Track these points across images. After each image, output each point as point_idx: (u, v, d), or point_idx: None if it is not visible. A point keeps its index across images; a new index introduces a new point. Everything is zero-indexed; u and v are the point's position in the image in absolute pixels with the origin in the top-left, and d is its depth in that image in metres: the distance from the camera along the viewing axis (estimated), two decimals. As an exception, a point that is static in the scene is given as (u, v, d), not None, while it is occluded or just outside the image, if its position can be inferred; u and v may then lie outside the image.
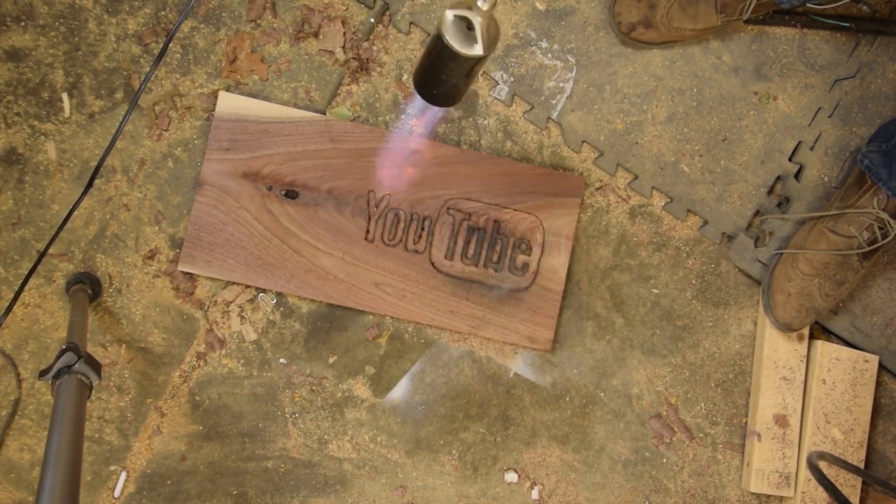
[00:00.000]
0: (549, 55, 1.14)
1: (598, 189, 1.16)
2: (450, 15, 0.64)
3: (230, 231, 1.09)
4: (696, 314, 1.18)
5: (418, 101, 0.76)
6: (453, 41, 0.64)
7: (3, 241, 1.10)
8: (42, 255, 0.97)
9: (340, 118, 1.12)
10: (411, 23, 1.12)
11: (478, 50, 0.64)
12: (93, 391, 0.88)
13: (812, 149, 1.16)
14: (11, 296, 1.07)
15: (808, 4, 1.04)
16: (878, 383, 1.18)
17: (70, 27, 1.09)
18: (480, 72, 0.70)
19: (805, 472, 1.13)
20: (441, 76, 0.70)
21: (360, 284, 1.11)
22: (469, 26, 0.64)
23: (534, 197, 1.12)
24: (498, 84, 1.14)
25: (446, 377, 1.16)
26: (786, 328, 1.12)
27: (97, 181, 1.11)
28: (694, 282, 1.18)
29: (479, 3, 0.62)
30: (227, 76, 1.11)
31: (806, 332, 1.16)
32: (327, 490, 1.15)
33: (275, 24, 1.12)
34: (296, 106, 1.12)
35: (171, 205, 1.12)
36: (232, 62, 1.11)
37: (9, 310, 0.97)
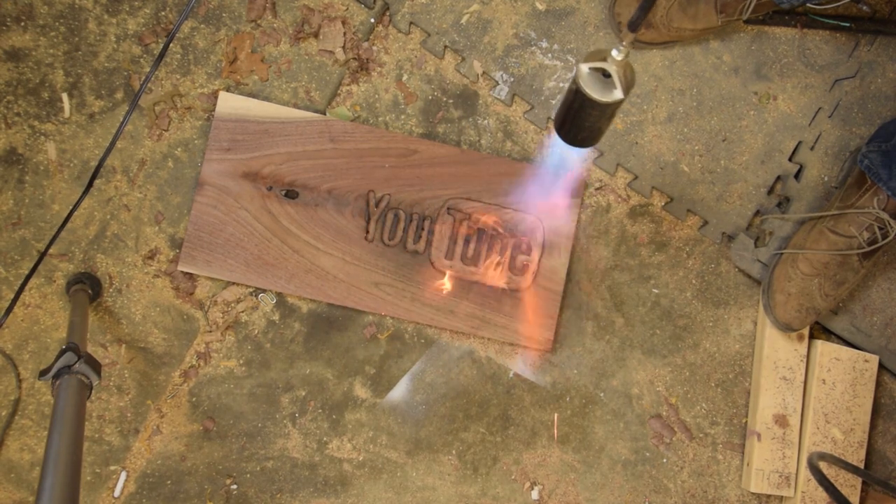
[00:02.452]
0: (549, 55, 1.14)
1: (598, 189, 1.16)
2: (585, 68, 0.68)
3: (230, 231, 1.09)
4: (696, 314, 1.18)
5: (560, 142, 0.80)
6: (592, 92, 0.68)
7: (3, 241, 1.10)
8: (42, 255, 0.97)
9: (340, 118, 1.12)
10: (411, 23, 1.13)
11: (618, 95, 0.68)
12: (93, 391, 0.88)
13: (812, 149, 1.16)
14: (12, 296, 1.07)
15: (808, 4, 1.04)
16: (878, 383, 1.18)
17: (70, 27, 1.09)
18: (618, 111, 0.74)
19: (805, 472, 1.13)
20: (584, 123, 0.74)
21: (360, 284, 1.11)
22: (605, 74, 0.67)
23: (534, 197, 1.12)
24: (498, 84, 1.14)
25: (446, 377, 1.16)
26: (786, 328, 1.12)
27: (97, 181, 1.11)
28: (694, 282, 1.18)
29: (613, 54, 0.66)
30: (227, 76, 1.11)
31: (806, 332, 1.16)
32: (327, 490, 1.15)
33: (275, 25, 1.12)
34: (296, 106, 1.12)
35: (171, 205, 1.12)
36: (232, 62, 1.11)
37: (9, 310, 0.97)
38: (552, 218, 1.13)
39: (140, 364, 1.13)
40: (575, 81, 0.68)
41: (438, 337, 1.15)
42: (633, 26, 0.64)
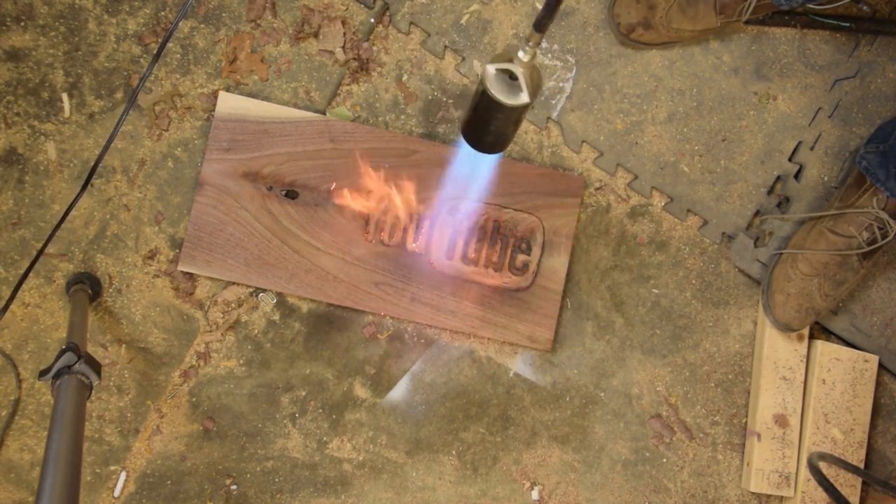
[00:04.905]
0: (549, 55, 1.14)
1: (597, 189, 1.16)
2: (491, 69, 0.65)
3: (230, 231, 1.09)
4: (696, 314, 1.18)
5: (466, 148, 0.77)
6: (498, 94, 0.66)
7: (3, 241, 1.10)
8: (39, 253, 0.97)
9: (340, 118, 1.12)
10: (411, 23, 1.13)
11: (524, 99, 0.66)
12: (93, 391, 0.88)
13: (812, 149, 1.16)
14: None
15: (808, 5, 1.04)
16: (878, 383, 1.18)
17: (70, 27, 1.09)
18: (525, 117, 0.71)
19: (805, 472, 1.13)
20: (490, 126, 0.71)
21: (360, 284, 1.11)
22: (512, 77, 0.65)
23: (534, 197, 1.12)
24: (498, 84, 1.14)
25: (446, 377, 1.16)
26: (785, 328, 1.12)
27: (97, 181, 1.11)
28: (694, 282, 1.18)
29: (520, 55, 0.64)
30: (227, 76, 1.11)
31: (806, 332, 1.16)
32: (327, 490, 1.15)
33: (275, 25, 1.12)
34: (296, 106, 1.12)
35: (171, 205, 1.12)
36: (232, 62, 1.11)
37: (5, 308, 0.97)
38: (552, 218, 1.13)
39: (140, 364, 1.13)
40: (481, 83, 0.66)
41: (438, 337, 1.15)
42: (539, 26, 0.61)
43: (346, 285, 1.11)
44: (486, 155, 0.79)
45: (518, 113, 0.68)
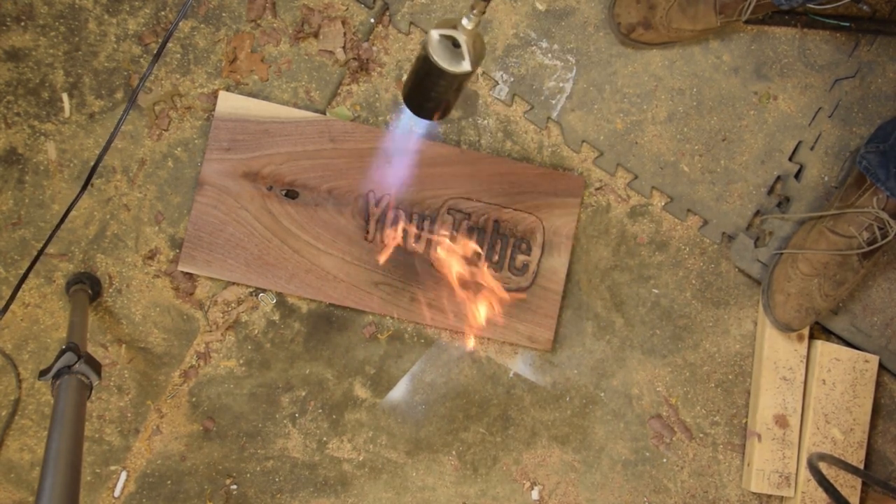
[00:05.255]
0: (549, 55, 1.14)
1: (597, 189, 1.16)
2: (435, 34, 0.65)
3: (230, 231, 1.09)
4: (696, 314, 1.18)
5: (407, 113, 0.78)
6: (440, 59, 0.66)
7: (3, 241, 1.10)
8: (40, 252, 0.97)
9: (340, 118, 1.12)
10: (411, 23, 1.13)
11: (465, 66, 0.66)
12: (93, 391, 0.88)
13: (812, 149, 1.16)
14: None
15: (808, 4, 1.04)
16: (878, 383, 1.18)
17: (70, 27, 1.09)
18: (467, 85, 0.71)
19: (805, 472, 1.13)
20: (431, 92, 0.71)
21: (360, 284, 1.11)
22: (455, 44, 0.65)
23: (534, 197, 1.12)
24: (498, 84, 1.14)
25: (446, 377, 1.16)
26: (785, 328, 1.12)
27: (97, 181, 1.11)
28: (694, 282, 1.18)
29: (463, 22, 0.64)
30: (227, 76, 1.11)
31: (806, 332, 1.16)
32: (327, 490, 1.15)
33: (275, 24, 1.12)
34: (296, 106, 1.12)
35: (171, 205, 1.12)
36: (232, 62, 1.11)
37: (5, 308, 0.97)
38: (552, 218, 1.13)
39: (140, 364, 1.13)
40: (424, 48, 0.66)
41: (438, 337, 1.15)
42: None
43: (346, 285, 1.11)
44: (425, 121, 0.79)
45: (459, 80, 0.68)
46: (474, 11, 0.63)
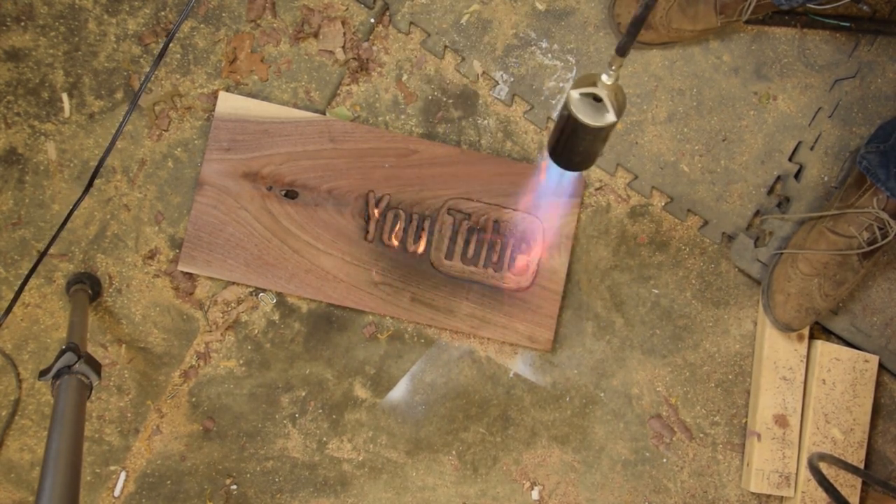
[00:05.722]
0: (549, 55, 1.14)
1: (597, 189, 1.16)
2: (576, 94, 0.67)
3: (230, 231, 1.09)
4: (696, 314, 1.18)
5: (554, 168, 0.80)
6: (585, 117, 0.67)
7: (3, 241, 1.10)
8: (42, 255, 0.97)
9: (340, 118, 1.12)
10: (411, 23, 1.13)
11: (610, 119, 0.67)
12: (93, 391, 0.88)
13: (812, 149, 1.16)
14: (12, 296, 1.07)
15: (808, 4, 1.04)
16: (878, 383, 1.18)
17: (70, 27, 1.09)
18: (612, 133, 0.74)
19: (805, 472, 1.13)
20: (579, 148, 0.74)
21: (360, 284, 1.11)
22: (596, 98, 0.67)
23: (534, 197, 1.12)
24: (498, 84, 1.14)
25: (446, 377, 1.16)
26: (785, 328, 1.12)
27: (97, 181, 1.11)
28: (694, 282, 1.18)
29: (603, 79, 0.66)
30: (227, 76, 1.11)
31: (806, 332, 1.16)
32: (327, 490, 1.15)
33: (275, 25, 1.12)
34: (296, 106, 1.12)
35: (171, 205, 1.12)
36: (232, 62, 1.11)
37: (9, 310, 0.97)
38: (552, 218, 1.13)
39: (140, 364, 1.13)
40: (566, 108, 0.68)
41: (438, 337, 1.15)
42: (622, 51, 0.63)
43: (346, 285, 1.11)
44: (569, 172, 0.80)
45: (606, 132, 0.70)
46: (613, 68, 0.65)
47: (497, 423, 1.16)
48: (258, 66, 1.11)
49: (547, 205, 1.12)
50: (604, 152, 1.15)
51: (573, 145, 0.73)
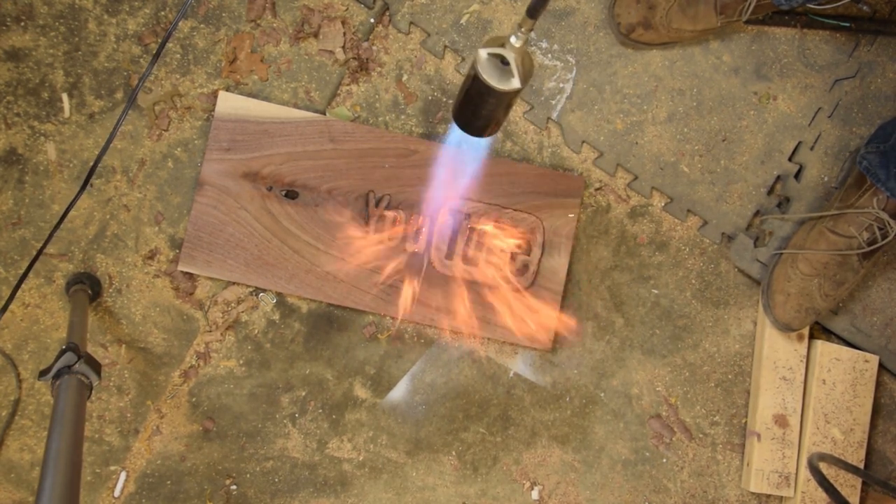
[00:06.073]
0: (549, 55, 1.14)
1: (597, 189, 1.16)
2: (483, 53, 0.66)
3: (230, 231, 1.09)
4: (695, 314, 1.18)
5: (457, 131, 0.78)
6: (490, 78, 0.66)
7: (3, 241, 1.10)
8: (39, 253, 0.97)
9: (340, 118, 1.12)
10: (411, 23, 1.13)
11: (515, 84, 0.66)
12: (93, 391, 0.88)
13: (812, 149, 1.16)
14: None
15: (808, 5, 1.04)
16: (878, 383, 1.18)
17: (70, 27, 1.09)
18: (515, 102, 0.72)
19: (805, 472, 1.13)
20: (481, 111, 0.72)
21: (360, 284, 1.11)
22: (504, 62, 0.66)
23: (534, 197, 1.12)
24: (498, 84, 1.14)
25: (446, 377, 1.16)
26: (785, 328, 1.12)
27: (97, 181, 1.11)
28: (694, 282, 1.18)
29: (511, 41, 0.64)
30: (227, 76, 1.11)
31: (806, 332, 1.16)
32: (327, 490, 1.15)
33: (275, 24, 1.12)
34: (296, 106, 1.12)
35: (171, 205, 1.12)
36: (232, 62, 1.11)
37: (5, 308, 0.97)
38: (552, 218, 1.13)
39: (140, 364, 1.13)
40: (473, 67, 0.67)
41: (438, 337, 1.15)
42: (532, 12, 0.61)
43: (346, 285, 1.11)
44: (476, 139, 0.79)
45: (509, 98, 0.68)
46: (522, 30, 0.63)
47: (497, 423, 1.16)
48: (258, 66, 1.11)
49: (547, 205, 1.12)
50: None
51: (476, 107, 0.71)
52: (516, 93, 0.67)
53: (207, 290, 1.13)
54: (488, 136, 0.78)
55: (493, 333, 1.13)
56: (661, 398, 1.18)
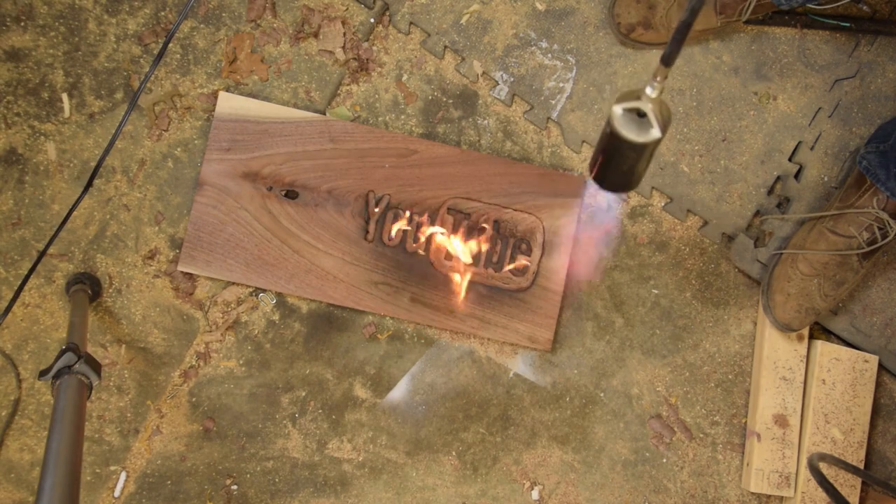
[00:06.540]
0: (549, 55, 1.14)
1: (597, 189, 1.16)
2: (619, 109, 0.64)
3: (230, 231, 1.09)
4: (695, 314, 1.18)
5: (595, 188, 0.76)
6: (628, 133, 0.64)
7: (3, 241, 1.10)
8: (41, 254, 0.97)
9: (340, 118, 1.12)
10: (411, 23, 1.13)
11: (655, 134, 0.64)
12: (93, 391, 0.88)
13: (812, 149, 1.16)
14: (12, 296, 1.07)
15: (808, 5, 1.04)
16: (878, 383, 1.18)
17: (70, 27, 1.09)
18: (657, 151, 0.70)
19: (805, 472, 1.13)
20: (622, 167, 0.70)
21: (359, 284, 1.11)
22: (640, 114, 0.64)
23: (534, 197, 1.12)
24: (498, 84, 1.14)
25: (446, 377, 1.16)
26: (785, 328, 1.12)
27: (97, 181, 1.11)
28: (694, 282, 1.18)
29: (647, 92, 0.63)
30: (227, 76, 1.11)
31: (806, 332, 1.16)
32: (327, 490, 1.15)
33: (275, 25, 1.12)
34: (296, 106, 1.12)
35: (171, 205, 1.12)
36: (232, 62, 1.11)
37: (7, 310, 0.97)
38: (552, 218, 1.13)
39: (140, 364, 1.13)
40: (609, 124, 0.65)
41: (438, 337, 1.15)
42: (667, 60, 0.59)
43: (346, 285, 1.11)
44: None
45: (650, 149, 0.67)
46: (657, 79, 0.61)
47: (497, 423, 1.16)
48: (258, 66, 1.11)
49: (547, 205, 1.12)
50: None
51: (617, 164, 0.70)
52: (657, 142, 0.66)
53: (207, 290, 1.13)
54: (630, 189, 0.76)
55: (493, 333, 1.13)
56: (661, 398, 1.18)
